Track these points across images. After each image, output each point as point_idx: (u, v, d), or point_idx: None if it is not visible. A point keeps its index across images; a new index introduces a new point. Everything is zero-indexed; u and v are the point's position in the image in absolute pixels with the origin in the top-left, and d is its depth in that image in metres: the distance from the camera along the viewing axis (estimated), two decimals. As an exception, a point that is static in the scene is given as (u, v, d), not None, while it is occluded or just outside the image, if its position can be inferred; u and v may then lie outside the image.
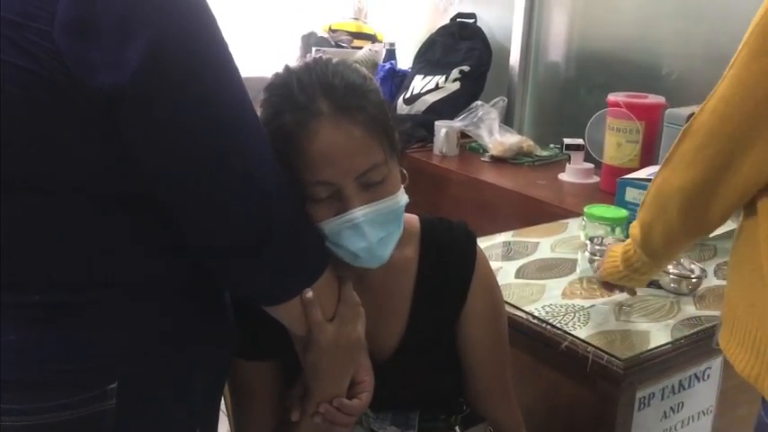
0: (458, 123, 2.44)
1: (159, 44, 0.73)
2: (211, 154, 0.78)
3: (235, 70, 0.80)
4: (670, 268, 1.45)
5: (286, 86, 0.91)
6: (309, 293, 0.89)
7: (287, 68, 0.94)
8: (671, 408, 1.32)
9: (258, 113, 0.89)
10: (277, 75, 0.94)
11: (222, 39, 0.79)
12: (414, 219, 1.09)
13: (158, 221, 0.83)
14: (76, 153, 0.77)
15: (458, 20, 2.80)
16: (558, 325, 1.29)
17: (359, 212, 0.90)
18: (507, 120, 2.56)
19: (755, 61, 0.89)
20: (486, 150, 2.39)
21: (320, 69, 0.91)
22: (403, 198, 0.95)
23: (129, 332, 0.84)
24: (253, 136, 0.82)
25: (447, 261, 1.06)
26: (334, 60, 0.94)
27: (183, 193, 0.79)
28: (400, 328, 1.05)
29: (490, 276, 1.10)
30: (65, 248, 0.81)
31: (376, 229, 0.91)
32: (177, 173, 0.78)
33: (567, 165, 2.19)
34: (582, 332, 1.27)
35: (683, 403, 1.34)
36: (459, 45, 2.72)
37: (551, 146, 2.44)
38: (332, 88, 0.89)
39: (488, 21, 2.76)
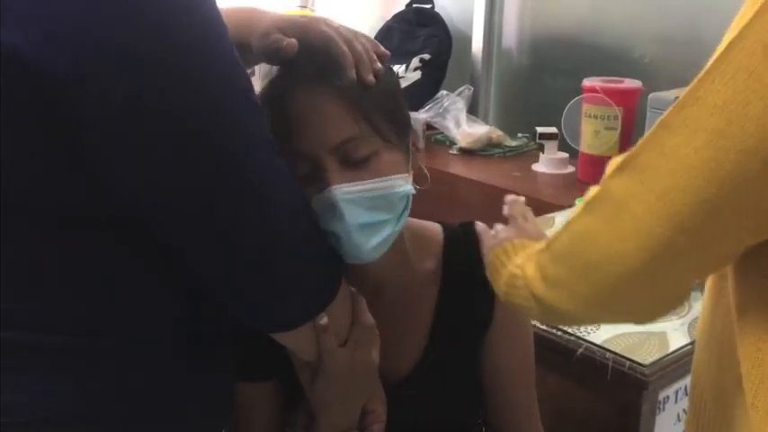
0: (423, 115, 2.31)
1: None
2: (203, 166, 0.66)
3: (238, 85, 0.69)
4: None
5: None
6: (324, 319, 0.77)
7: None
8: (683, 410, 1.25)
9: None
10: None
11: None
12: (436, 228, 0.98)
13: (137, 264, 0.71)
14: (44, 177, 0.65)
15: (414, 5, 2.69)
16: (570, 330, 1.19)
17: (337, 190, 0.78)
18: (472, 109, 2.46)
19: None
20: (453, 142, 2.28)
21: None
22: (402, 186, 0.83)
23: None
24: (253, 143, 0.70)
25: (473, 274, 0.94)
26: None
27: (178, 221, 0.68)
28: (418, 348, 0.94)
29: None
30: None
31: (359, 212, 0.79)
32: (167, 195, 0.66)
33: (541, 155, 2.10)
34: (596, 337, 1.17)
35: (695, 404, 1.26)
36: (417, 32, 2.60)
37: (519, 135, 2.35)
38: (314, 55, 0.84)
39: (446, 6, 2.65)
